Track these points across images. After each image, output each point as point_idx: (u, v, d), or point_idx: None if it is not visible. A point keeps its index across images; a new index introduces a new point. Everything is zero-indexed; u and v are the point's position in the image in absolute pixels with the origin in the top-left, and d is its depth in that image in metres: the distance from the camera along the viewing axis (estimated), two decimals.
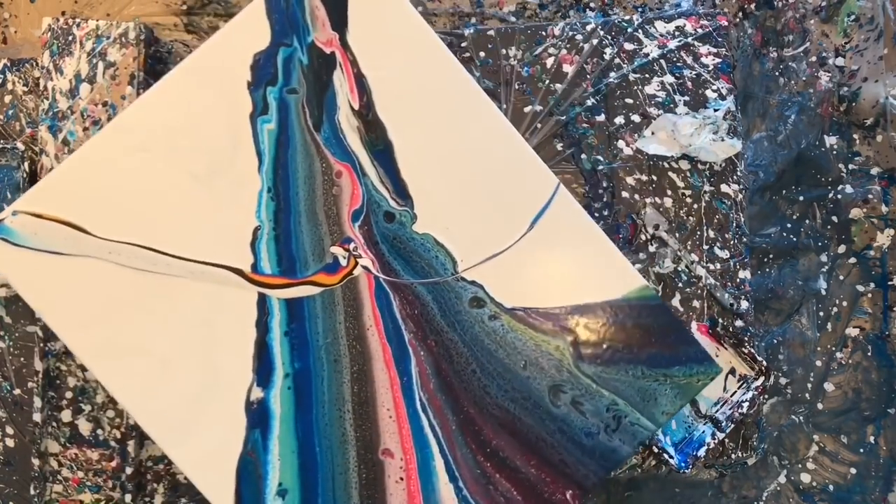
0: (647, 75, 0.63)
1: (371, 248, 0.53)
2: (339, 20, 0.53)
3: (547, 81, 0.63)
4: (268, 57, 0.53)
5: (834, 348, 0.63)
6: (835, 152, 0.64)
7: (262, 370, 0.52)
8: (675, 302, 0.61)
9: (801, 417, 0.63)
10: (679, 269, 0.61)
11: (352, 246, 0.53)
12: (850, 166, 0.63)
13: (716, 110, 0.62)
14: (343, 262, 0.53)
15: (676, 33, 0.63)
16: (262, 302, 0.52)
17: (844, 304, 0.63)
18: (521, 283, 0.53)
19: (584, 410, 0.53)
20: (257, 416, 0.51)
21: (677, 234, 0.61)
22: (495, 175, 0.54)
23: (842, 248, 0.63)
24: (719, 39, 0.63)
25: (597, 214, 0.62)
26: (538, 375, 0.53)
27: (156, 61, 0.63)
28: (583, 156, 0.62)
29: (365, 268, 0.53)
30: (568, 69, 0.63)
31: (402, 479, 0.52)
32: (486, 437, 0.52)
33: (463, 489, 0.52)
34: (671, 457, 0.58)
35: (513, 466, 0.52)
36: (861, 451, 0.62)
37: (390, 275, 0.53)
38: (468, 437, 0.52)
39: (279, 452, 0.51)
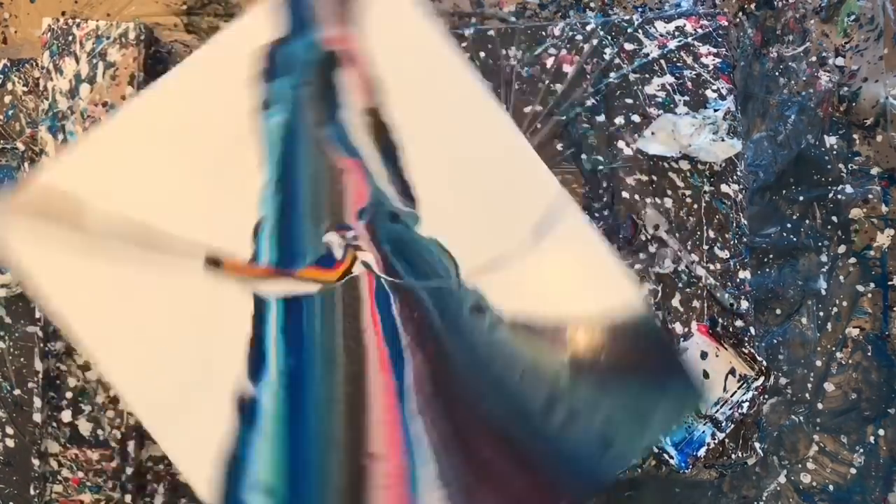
0: (647, 75, 0.63)
1: (375, 246, 0.53)
2: (355, 17, 0.53)
3: (547, 81, 0.63)
4: (281, 49, 0.52)
5: (834, 348, 0.63)
6: (835, 152, 0.64)
7: (255, 365, 0.51)
8: (676, 302, 0.61)
9: (801, 417, 0.63)
10: (679, 269, 0.61)
11: (350, 234, 0.52)
12: (850, 166, 0.63)
13: (716, 110, 0.62)
14: (338, 255, 0.52)
15: (676, 33, 0.63)
16: (259, 298, 0.52)
17: (844, 304, 0.63)
18: (523, 293, 0.53)
19: (576, 428, 0.52)
20: (245, 410, 0.51)
21: (677, 234, 0.61)
22: (502, 182, 0.53)
23: (842, 248, 0.63)
24: (719, 39, 0.63)
25: (597, 215, 0.62)
26: (533, 389, 0.52)
27: (156, 61, 0.63)
28: (583, 156, 0.62)
29: (366, 265, 0.52)
30: (568, 69, 0.63)
31: (389, 484, 0.51)
32: (478, 447, 0.52)
33: (451, 498, 0.51)
34: (671, 457, 0.58)
35: (503, 478, 0.52)
36: (861, 451, 0.62)
37: (392, 275, 0.53)
38: (459, 445, 0.52)
39: (267, 449, 0.51)
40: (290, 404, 0.51)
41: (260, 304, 0.52)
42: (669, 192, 0.62)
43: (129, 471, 0.60)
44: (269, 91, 0.52)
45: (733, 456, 0.61)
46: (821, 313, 0.63)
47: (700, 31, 0.63)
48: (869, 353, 0.62)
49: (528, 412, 0.52)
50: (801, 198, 0.64)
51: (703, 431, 0.59)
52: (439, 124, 0.54)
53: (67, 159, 0.52)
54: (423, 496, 0.51)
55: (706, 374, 0.60)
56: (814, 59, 0.65)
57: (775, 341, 0.64)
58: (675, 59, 0.63)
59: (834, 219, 0.63)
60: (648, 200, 0.62)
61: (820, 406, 0.63)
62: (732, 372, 0.60)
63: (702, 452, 0.58)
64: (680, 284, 0.61)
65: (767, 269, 0.64)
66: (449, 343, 0.52)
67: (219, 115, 0.52)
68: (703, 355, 0.60)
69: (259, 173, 0.52)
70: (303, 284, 0.52)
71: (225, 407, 0.51)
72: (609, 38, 0.63)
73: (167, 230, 0.51)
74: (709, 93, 0.62)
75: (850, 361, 0.63)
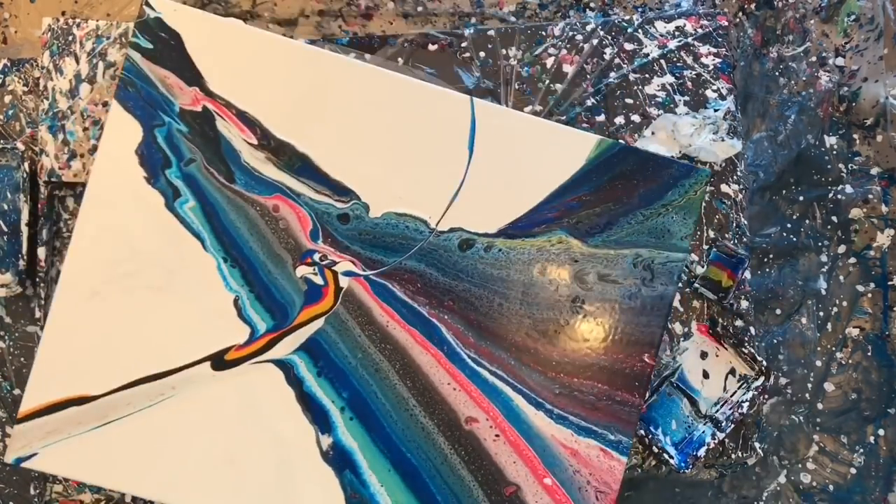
0: (647, 75, 0.63)
1: (346, 254, 0.53)
2: (191, 76, 0.53)
3: (547, 81, 0.63)
4: (148, 145, 0.53)
5: (834, 348, 0.63)
6: (835, 152, 0.64)
7: (318, 417, 0.52)
8: (676, 302, 0.61)
9: (801, 417, 0.63)
10: None
11: (316, 258, 0.53)
12: (850, 166, 0.63)
13: (716, 110, 0.62)
14: (320, 282, 0.53)
15: (676, 33, 0.63)
16: (281, 363, 0.52)
17: (844, 304, 0.63)
18: (493, 205, 0.53)
19: (615, 278, 0.53)
20: (338, 459, 0.52)
21: None
22: (412, 124, 0.54)
23: (842, 248, 0.63)
24: (719, 39, 0.63)
25: None
26: (557, 274, 0.53)
27: None
28: None
29: (349, 273, 0.53)
30: (568, 69, 0.63)
31: (497, 435, 0.52)
32: (545, 353, 0.53)
33: (553, 409, 0.52)
34: (671, 457, 0.58)
35: (583, 364, 0.53)
36: (861, 451, 0.62)
37: (376, 266, 0.53)
38: (529, 363, 0.53)
39: (378, 479, 0.52)
40: (370, 428, 0.52)
41: (286, 368, 0.52)
42: None
43: None
44: (166, 184, 0.53)
45: (733, 456, 0.61)
46: (821, 313, 0.63)
47: (700, 31, 0.63)
48: (869, 353, 0.62)
49: (567, 295, 0.53)
50: (801, 198, 0.64)
51: (703, 431, 0.58)
52: (325, 111, 0.54)
53: (38, 369, 0.51)
54: (531, 424, 0.52)
55: (706, 374, 0.60)
56: (814, 59, 0.65)
57: (775, 341, 0.64)
58: (675, 59, 0.63)
59: (834, 219, 0.63)
60: None
61: (820, 406, 0.63)
62: (732, 372, 0.60)
63: (702, 452, 0.58)
64: (680, 284, 0.61)
65: (767, 269, 0.64)
66: (462, 287, 0.53)
67: (141, 235, 0.52)
68: (703, 355, 0.60)
69: (207, 260, 0.52)
70: (308, 327, 0.52)
71: (320, 469, 0.51)
72: (609, 38, 0.63)
73: (164, 369, 0.52)
74: (709, 93, 0.62)
75: (850, 361, 0.63)
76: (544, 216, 0.53)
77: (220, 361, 0.52)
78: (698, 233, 0.61)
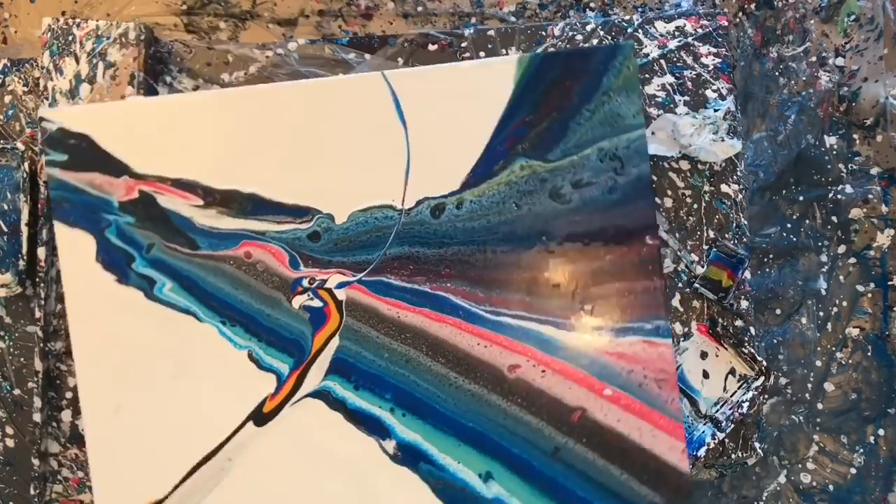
0: (647, 75, 0.63)
1: (331, 268, 0.53)
2: (115, 168, 0.53)
3: None
4: (105, 247, 0.53)
5: (834, 348, 0.63)
6: (835, 152, 0.64)
7: (373, 428, 0.52)
8: (675, 302, 0.61)
9: (801, 417, 0.63)
10: (679, 269, 0.61)
11: (305, 283, 0.53)
12: (850, 166, 0.63)
13: (716, 110, 0.62)
14: (317, 303, 0.53)
15: (676, 33, 0.63)
16: (316, 393, 0.53)
17: (844, 304, 0.63)
18: (446, 163, 0.53)
19: (589, 180, 0.53)
20: (409, 458, 0.52)
21: (677, 234, 0.61)
22: (337, 121, 0.53)
23: (842, 248, 0.63)
24: (719, 39, 0.63)
25: None
26: (532, 197, 0.53)
27: (156, 61, 0.63)
28: None
29: (342, 285, 0.53)
30: None
31: (543, 371, 0.52)
32: (554, 278, 0.53)
33: (583, 324, 0.53)
34: None
35: (593, 272, 0.53)
36: (861, 451, 0.62)
37: (364, 267, 0.53)
38: (543, 293, 0.53)
39: (452, 458, 0.52)
40: (425, 416, 0.52)
41: (324, 396, 0.52)
42: (669, 192, 0.62)
43: None
44: (138, 277, 0.53)
45: (733, 456, 0.61)
46: (821, 313, 0.63)
47: (700, 31, 0.63)
48: (869, 353, 0.62)
49: (548, 214, 0.53)
50: (801, 198, 0.64)
51: (703, 431, 0.58)
52: (255, 146, 0.54)
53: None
54: (569, 348, 0.52)
55: (706, 374, 0.60)
56: (814, 59, 0.64)
57: (775, 341, 0.64)
58: (675, 59, 0.63)
59: (834, 219, 0.63)
60: None
61: (820, 406, 0.63)
62: (732, 372, 0.60)
63: (702, 452, 0.58)
64: (680, 284, 0.61)
65: (767, 269, 0.64)
66: (451, 252, 0.53)
67: (136, 332, 0.53)
68: (703, 355, 0.60)
69: (208, 331, 0.53)
70: (327, 350, 0.53)
71: (399, 474, 0.52)
72: (609, 38, 0.63)
73: (214, 444, 0.52)
74: (709, 93, 0.62)
75: (850, 361, 0.63)
76: (498, 153, 0.53)
77: (259, 416, 0.52)
78: (698, 233, 0.61)
